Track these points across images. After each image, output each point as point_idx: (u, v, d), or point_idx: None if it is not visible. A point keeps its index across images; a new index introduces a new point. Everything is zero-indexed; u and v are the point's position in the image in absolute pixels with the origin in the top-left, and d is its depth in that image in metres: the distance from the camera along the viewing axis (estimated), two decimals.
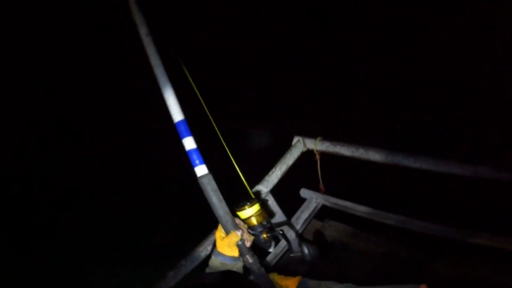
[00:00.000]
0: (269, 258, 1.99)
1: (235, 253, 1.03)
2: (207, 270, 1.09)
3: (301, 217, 2.13)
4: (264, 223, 1.14)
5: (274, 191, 1.92)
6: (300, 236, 1.96)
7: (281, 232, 1.15)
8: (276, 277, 1.28)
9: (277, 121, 5.28)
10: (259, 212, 1.13)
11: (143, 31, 1.09)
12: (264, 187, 1.83)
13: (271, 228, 1.16)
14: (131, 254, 3.73)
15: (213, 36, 5.89)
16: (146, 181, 4.84)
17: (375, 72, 5.13)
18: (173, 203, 4.39)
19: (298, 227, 2.08)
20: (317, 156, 1.82)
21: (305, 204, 2.19)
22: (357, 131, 4.39)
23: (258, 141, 4.94)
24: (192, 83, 1.29)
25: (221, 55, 5.83)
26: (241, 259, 1.06)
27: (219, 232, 1.06)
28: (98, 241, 3.88)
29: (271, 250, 1.17)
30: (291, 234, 1.94)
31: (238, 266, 1.07)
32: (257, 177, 1.88)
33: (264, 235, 1.13)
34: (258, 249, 1.15)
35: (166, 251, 3.39)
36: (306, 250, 1.12)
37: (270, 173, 1.88)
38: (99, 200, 4.54)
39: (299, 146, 1.98)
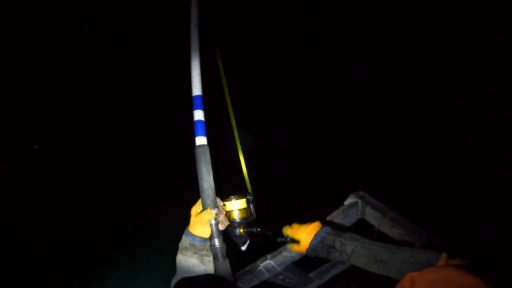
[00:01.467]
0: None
1: (205, 233, 0.96)
2: (178, 253, 1.00)
3: (331, 272, 1.66)
4: (246, 218, 1.11)
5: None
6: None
7: (258, 230, 1.11)
8: (289, 231, 1.13)
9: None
10: (243, 208, 1.11)
11: (193, 22, 1.28)
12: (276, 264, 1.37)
13: (250, 225, 1.12)
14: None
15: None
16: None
17: None
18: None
19: (320, 282, 1.65)
20: (376, 231, 1.28)
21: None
22: None
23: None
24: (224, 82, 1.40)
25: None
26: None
27: (196, 208, 1.01)
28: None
29: (243, 248, 1.11)
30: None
31: (207, 248, 0.98)
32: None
33: (241, 230, 1.09)
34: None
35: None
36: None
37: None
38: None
39: (352, 213, 1.30)
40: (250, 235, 1.12)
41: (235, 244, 1.12)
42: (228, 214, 1.08)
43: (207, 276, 0.95)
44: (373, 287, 1.75)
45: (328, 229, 1.09)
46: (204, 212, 0.95)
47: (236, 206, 1.10)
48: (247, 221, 1.11)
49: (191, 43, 1.25)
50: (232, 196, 1.11)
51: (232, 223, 1.09)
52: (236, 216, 1.09)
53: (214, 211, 0.95)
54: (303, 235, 1.08)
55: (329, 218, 1.38)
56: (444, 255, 0.82)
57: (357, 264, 0.99)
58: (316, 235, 1.06)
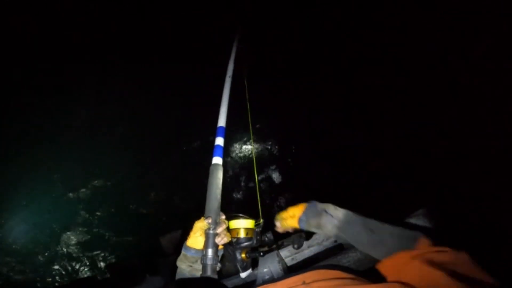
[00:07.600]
0: None
1: (197, 243, 0.91)
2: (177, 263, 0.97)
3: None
4: (251, 238, 1.04)
5: None
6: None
7: (261, 254, 1.02)
8: (281, 214, 1.08)
9: None
10: (250, 228, 1.06)
11: (229, 72, 1.58)
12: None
13: (254, 249, 1.03)
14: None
15: None
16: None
17: None
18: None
19: None
20: None
21: None
22: None
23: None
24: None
25: None
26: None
27: (198, 221, 0.98)
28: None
29: (242, 275, 0.98)
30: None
31: (200, 261, 0.90)
32: None
33: (243, 254, 1.00)
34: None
35: None
36: None
37: None
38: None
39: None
40: (253, 260, 1.03)
41: (236, 270, 1.03)
42: (235, 232, 1.04)
43: (203, 280, 0.87)
44: None
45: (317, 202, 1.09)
46: (197, 222, 0.93)
47: (244, 224, 1.05)
48: (251, 245, 1.03)
49: (224, 90, 1.46)
50: (241, 215, 1.08)
51: (235, 244, 1.02)
52: (243, 234, 1.03)
53: (207, 221, 0.91)
54: (295, 209, 1.08)
55: None
56: (425, 240, 0.79)
57: (347, 232, 0.95)
58: (309, 205, 1.06)
